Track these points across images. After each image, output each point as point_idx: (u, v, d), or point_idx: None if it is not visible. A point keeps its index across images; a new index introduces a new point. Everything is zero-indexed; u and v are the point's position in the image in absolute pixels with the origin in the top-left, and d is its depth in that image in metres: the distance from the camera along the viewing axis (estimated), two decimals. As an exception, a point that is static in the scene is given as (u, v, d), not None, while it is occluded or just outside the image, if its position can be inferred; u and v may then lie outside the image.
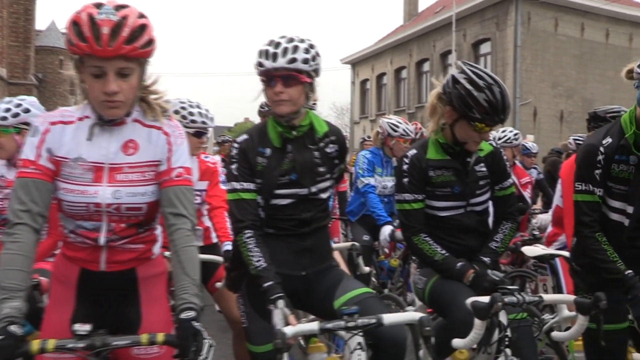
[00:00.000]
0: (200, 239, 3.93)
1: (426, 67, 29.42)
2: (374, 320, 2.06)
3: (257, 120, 5.95)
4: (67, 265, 2.10)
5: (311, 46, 2.50)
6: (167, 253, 2.10)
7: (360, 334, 2.16)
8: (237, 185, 2.55)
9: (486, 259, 2.78)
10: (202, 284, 3.97)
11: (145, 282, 2.13)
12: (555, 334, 2.63)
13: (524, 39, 23.63)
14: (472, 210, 2.86)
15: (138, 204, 2.02)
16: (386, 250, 5.58)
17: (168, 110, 2.13)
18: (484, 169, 2.87)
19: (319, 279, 2.60)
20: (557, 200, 4.29)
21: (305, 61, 2.45)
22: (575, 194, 2.57)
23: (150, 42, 1.92)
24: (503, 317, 2.41)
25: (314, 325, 2.09)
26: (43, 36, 27.88)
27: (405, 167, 2.84)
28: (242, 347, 3.08)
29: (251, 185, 2.55)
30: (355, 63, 35.91)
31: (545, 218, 5.36)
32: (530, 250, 4.22)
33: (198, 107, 3.67)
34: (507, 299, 2.25)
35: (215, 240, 3.90)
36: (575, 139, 6.03)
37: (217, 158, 4.12)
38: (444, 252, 2.76)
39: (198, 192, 3.75)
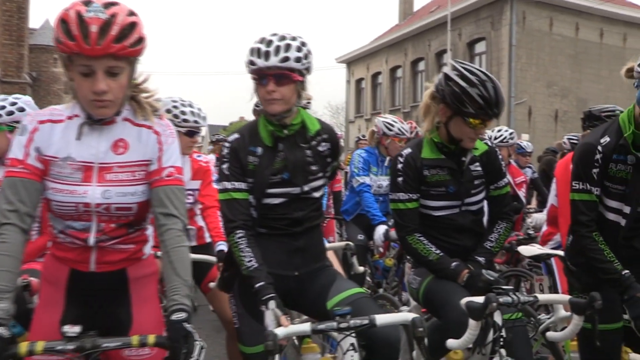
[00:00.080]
0: (193, 239, 3.91)
1: (421, 66, 29.46)
2: (366, 321, 2.04)
3: (252, 119, 5.92)
4: (57, 265, 2.07)
5: (303, 44, 2.48)
6: (158, 253, 2.07)
7: (353, 334, 2.14)
8: (228, 184, 2.52)
9: (481, 259, 2.77)
10: (195, 284, 3.98)
11: (136, 282, 2.11)
12: (550, 334, 2.62)
13: (519, 38, 23.69)
14: (467, 209, 2.84)
15: (128, 203, 2.00)
16: (381, 249, 5.57)
17: (159, 109, 2.10)
18: (479, 168, 2.86)
19: (312, 279, 2.58)
20: (552, 199, 4.30)
21: (298, 60, 2.43)
22: (573, 193, 2.55)
23: (140, 40, 1.89)
24: (498, 317, 2.40)
25: (306, 327, 2.07)
26: (37, 34, 27.75)
27: (399, 166, 2.82)
28: (236, 347, 3.05)
29: (242, 185, 2.52)
30: (351, 62, 35.94)
31: (540, 217, 5.37)
32: (527, 250, 4.22)
33: (190, 106, 3.65)
34: (501, 299, 2.24)
35: (208, 240, 3.88)
36: (569, 139, 6.04)
37: (211, 157, 4.10)
38: (438, 251, 2.75)
39: (191, 192, 3.73)
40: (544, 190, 7.42)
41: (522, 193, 6.33)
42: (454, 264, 2.70)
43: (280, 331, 2.01)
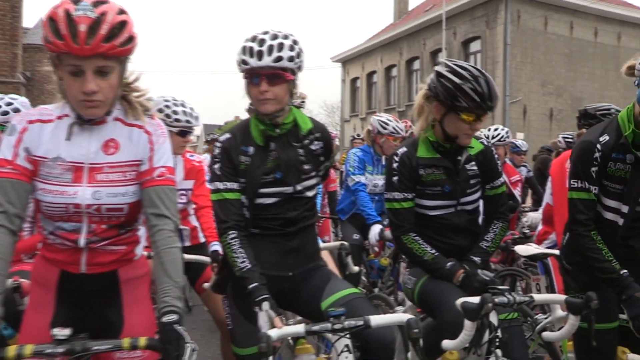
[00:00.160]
0: (187, 239, 3.88)
1: (416, 65, 29.46)
2: (361, 322, 2.03)
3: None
4: (47, 267, 2.05)
5: (295, 42, 2.45)
6: (150, 254, 2.05)
7: (348, 336, 2.13)
8: (220, 185, 2.50)
9: (477, 259, 2.75)
10: (190, 284, 3.95)
11: (128, 284, 2.08)
12: (546, 334, 2.60)
13: (514, 37, 23.72)
14: (462, 209, 2.83)
15: (119, 204, 1.97)
16: (376, 249, 5.56)
17: (150, 109, 2.08)
18: (475, 167, 2.84)
19: (306, 280, 2.56)
20: (547, 198, 4.29)
21: (291, 59, 2.41)
22: (571, 192, 2.53)
23: (131, 39, 1.87)
24: (493, 318, 2.38)
25: (300, 328, 2.05)
26: (31, 34, 27.58)
27: (395, 165, 2.80)
28: (230, 348, 3.04)
29: (234, 185, 2.50)
30: (346, 61, 35.91)
31: (536, 216, 5.36)
32: (524, 250, 4.20)
33: (182, 105, 3.62)
34: (497, 299, 2.22)
35: (203, 240, 3.86)
36: (564, 137, 6.05)
37: (206, 157, 4.07)
38: (433, 251, 2.73)
39: (184, 192, 3.71)
40: (539, 189, 7.42)
41: (517, 192, 6.33)
42: (449, 264, 2.68)
43: (273, 333, 1.99)
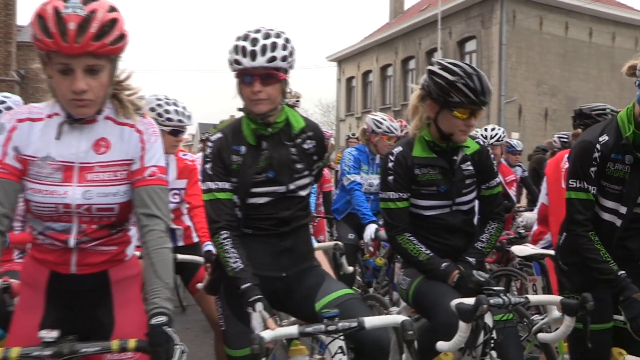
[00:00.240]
0: (180, 239, 3.86)
1: (412, 64, 29.47)
2: (355, 324, 2.01)
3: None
4: (36, 267, 2.02)
5: (287, 40, 2.43)
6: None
7: (342, 337, 2.10)
8: (212, 185, 2.48)
9: (472, 259, 2.73)
10: (183, 284, 3.92)
11: (118, 284, 2.06)
12: (541, 335, 2.59)
13: (509, 37, 23.75)
14: (458, 209, 2.81)
15: (109, 204, 1.94)
16: (371, 248, 5.54)
17: (141, 108, 2.05)
18: (471, 167, 2.82)
19: (299, 280, 2.54)
20: (542, 198, 4.27)
21: (284, 58, 2.39)
22: (569, 192, 2.51)
23: (122, 37, 1.83)
24: (488, 319, 2.37)
25: (293, 329, 2.03)
26: (25, 31, 27.42)
27: (390, 164, 2.77)
28: (224, 349, 3.01)
29: (226, 185, 2.47)
30: (341, 60, 35.88)
31: (531, 216, 5.35)
32: (520, 250, 4.19)
33: (175, 104, 3.59)
34: (492, 300, 2.21)
35: (196, 239, 3.82)
36: (559, 137, 6.06)
37: (199, 156, 4.04)
38: (428, 252, 2.70)
39: (177, 191, 3.68)
40: (534, 189, 7.42)
41: (512, 192, 6.33)
42: (444, 264, 2.66)
43: (267, 334, 1.96)
